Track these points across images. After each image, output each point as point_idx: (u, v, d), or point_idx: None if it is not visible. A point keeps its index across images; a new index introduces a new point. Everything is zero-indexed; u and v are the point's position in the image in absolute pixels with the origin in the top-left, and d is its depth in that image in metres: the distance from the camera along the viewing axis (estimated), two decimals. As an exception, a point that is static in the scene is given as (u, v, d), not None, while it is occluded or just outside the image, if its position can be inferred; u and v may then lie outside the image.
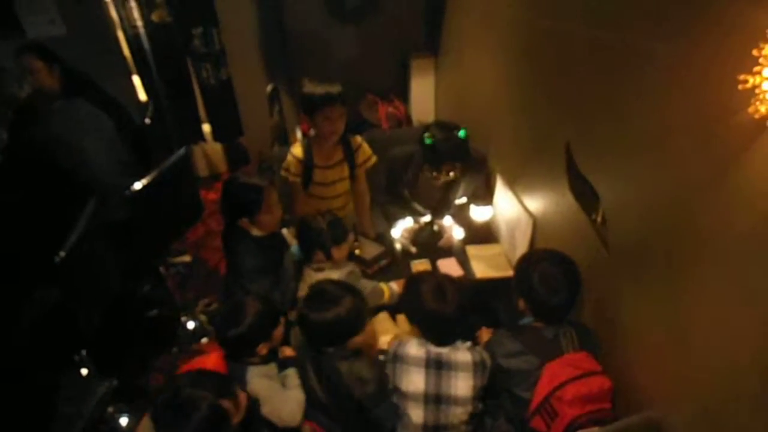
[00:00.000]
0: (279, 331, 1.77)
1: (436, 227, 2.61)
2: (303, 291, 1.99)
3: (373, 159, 2.50)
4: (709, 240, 1.21)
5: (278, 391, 1.68)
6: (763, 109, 0.83)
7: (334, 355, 1.70)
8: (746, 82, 0.84)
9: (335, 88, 2.18)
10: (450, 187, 2.47)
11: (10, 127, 2.31)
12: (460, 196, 2.54)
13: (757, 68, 0.82)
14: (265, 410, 1.64)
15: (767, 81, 0.80)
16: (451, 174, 2.26)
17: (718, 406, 1.26)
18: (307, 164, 2.37)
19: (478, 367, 1.69)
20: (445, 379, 1.66)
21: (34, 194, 2.27)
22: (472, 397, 1.67)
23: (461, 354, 1.69)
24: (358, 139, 2.47)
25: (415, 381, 1.67)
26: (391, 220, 2.60)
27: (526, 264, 1.83)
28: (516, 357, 1.73)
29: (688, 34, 1.18)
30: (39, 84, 2.55)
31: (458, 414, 1.67)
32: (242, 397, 1.50)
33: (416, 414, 1.67)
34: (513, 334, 1.79)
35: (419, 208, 2.59)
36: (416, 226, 2.60)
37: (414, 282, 1.80)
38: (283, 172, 2.42)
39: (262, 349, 1.71)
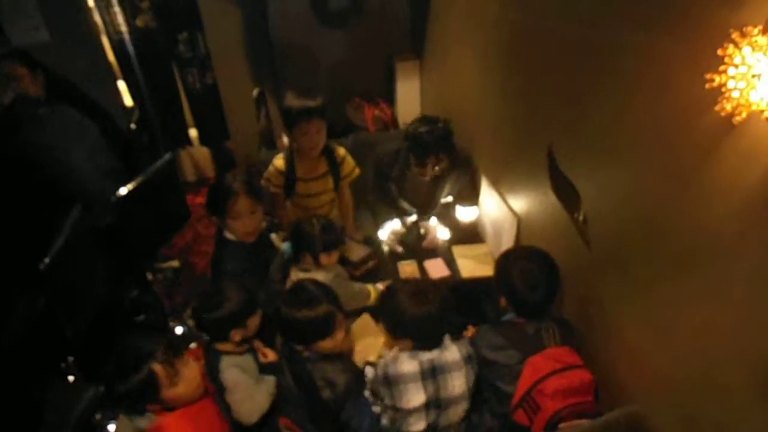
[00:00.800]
0: (254, 321, 1.79)
1: (422, 230, 2.63)
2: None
3: (357, 171, 2.51)
4: (683, 237, 1.24)
5: (248, 386, 1.70)
6: (728, 107, 0.85)
7: (305, 357, 1.74)
8: (713, 80, 0.87)
9: (314, 102, 2.17)
10: (436, 185, 2.49)
11: (-8, 133, 2.29)
12: (446, 195, 2.56)
13: (722, 67, 0.85)
14: (228, 398, 1.68)
15: (732, 80, 0.83)
16: (437, 168, 2.27)
17: (694, 400, 1.29)
18: (289, 176, 2.35)
19: (468, 361, 1.71)
20: (442, 383, 1.66)
21: (16, 200, 2.25)
22: (468, 392, 1.70)
23: (450, 353, 1.69)
24: (342, 151, 2.45)
25: (415, 397, 1.64)
26: (378, 220, 2.61)
27: (505, 262, 1.86)
28: (499, 351, 1.76)
29: (656, 33, 1.21)
30: (22, 90, 2.53)
31: (458, 412, 1.70)
32: None
33: (419, 423, 1.65)
34: (496, 328, 1.82)
35: (406, 206, 2.61)
36: (403, 228, 2.62)
37: (389, 294, 1.76)
38: (264, 182, 2.41)
39: (235, 336, 1.74)
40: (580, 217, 1.75)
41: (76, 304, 2.26)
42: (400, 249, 2.55)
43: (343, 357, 1.84)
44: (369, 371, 1.79)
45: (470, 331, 2.05)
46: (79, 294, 2.28)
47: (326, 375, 1.70)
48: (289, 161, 2.34)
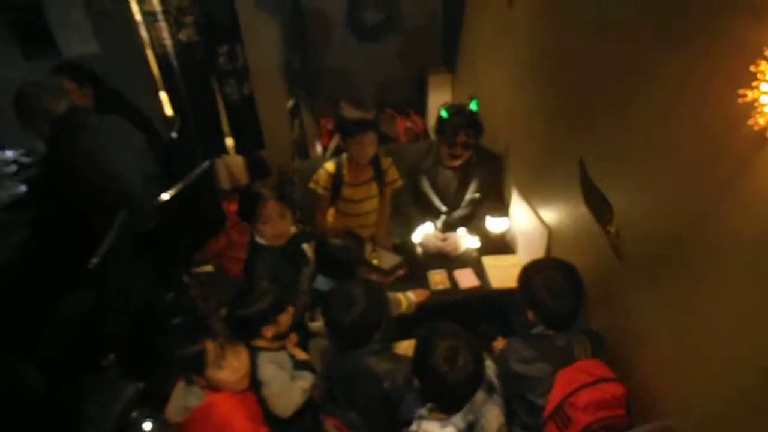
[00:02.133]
0: (285, 318, 1.86)
1: (444, 237, 2.66)
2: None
3: (400, 182, 2.64)
4: (718, 248, 1.24)
5: (284, 381, 1.77)
6: (761, 121, 0.87)
7: (364, 351, 1.75)
8: (745, 96, 0.89)
9: (369, 115, 2.36)
10: (464, 178, 2.61)
11: (48, 139, 2.44)
12: (474, 192, 2.63)
13: (755, 83, 0.87)
14: (265, 392, 1.74)
15: (764, 95, 0.85)
16: (466, 153, 2.43)
17: (728, 415, 1.28)
18: (336, 180, 2.48)
19: (492, 389, 1.67)
20: (481, 430, 1.60)
21: (68, 203, 2.38)
22: (504, 417, 1.67)
23: (476, 397, 1.59)
24: (388, 161, 2.59)
25: None
26: (412, 226, 2.68)
27: (527, 275, 1.87)
28: (530, 363, 1.75)
29: (692, 50, 1.23)
30: (72, 102, 2.68)
31: None
32: None
33: None
34: (526, 341, 1.82)
35: (436, 201, 2.67)
36: (436, 232, 2.66)
37: (428, 344, 1.57)
38: (312, 184, 2.51)
39: (267, 332, 1.80)
40: (612, 230, 1.75)
41: (119, 303, 2.37)
42: (440, 244, 2.60)
43: (395, 353, 1.89)
44: None
45: (500, 342, 2.06)
46: (122, 293, 2.39)
47: (384, 367, 1.71)
48: (339, 165, 2.48)
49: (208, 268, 3.66)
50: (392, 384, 1.69)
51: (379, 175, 2.55)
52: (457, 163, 2.56)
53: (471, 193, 2.68)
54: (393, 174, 2.61)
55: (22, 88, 2.41)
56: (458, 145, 2.45)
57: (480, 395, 1.61)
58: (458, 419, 1.55)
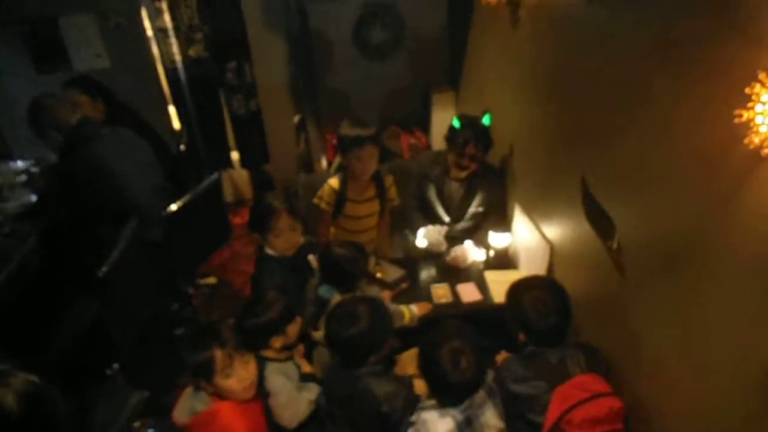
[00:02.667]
0: (293, 329, 1.87)
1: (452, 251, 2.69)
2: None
3: (397, 201, 2.69)
4: (716, 263, 1.28)
5: (291, 392, 1.78)
6: (756, 140, 0.92)
7: (364, 372, 1.74)
8: (741, 116, 0.94)
9: (367, 131, 2.35)
10: (470, 191, 2.66)
11: (60, 150, 2.50)
12: (479, 205, 2.67)
13: (750, 104, 0.92)
14: (272, 403, 1.75)
15: (759, 115, 0.90)
16: (474, 163, 2.49)
17: (729, 427, 1.30)
18: (340, 196, 2.51)
19: (492, 392, 1.72)
20: (479, 428, 1.65)
21: (78, 213, 2.43)
22: (504, 420, 1.69)
23: (475, 395, 1.67)
24: (390, 179, 2.63)
25: None
26: (415, 230, 2.73)
27: (514, 296, 1.89)
28: (525, 382, 1.76)
29: (691, 72, 1.29)
30: (84, 114, 2.75)
31: None
32: None
33: None
34: (519, 360, 1.84)
35: (440, 211, 2.73)
36: (438, 228, 2.70)
37: (434, 341, 1.71)
38: (316, 200, 2.55)
39: (275, 342, 1.81)
40: (614, 245, 1.79)
41: (125, 312, 2.40)
42: (443, 247, 2.64)
43: (396, 374, 1.89)
44: None
45: (502, 356, 2.08)
46: (129, 303, 2.42)
47: (384, 389, 1.71)
48: (342, 182, 2.51)
49: (212, 280, 3.69)
50: (391, 407, 1.70)
51: (381, 193, 2.58)
52: (464, 174, 2.62)
53: (475, 207, 2.73)
54: (393, 193, 2.64)
55: (37, 99, 2.48)
56: (466, 156, 2.52)
57: (481, 394, 1.66)
58: (456, 412, 1.62)
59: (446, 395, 1.67)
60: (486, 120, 2.57)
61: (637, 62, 1.55)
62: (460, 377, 1.60)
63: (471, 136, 2.50)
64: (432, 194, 2.75)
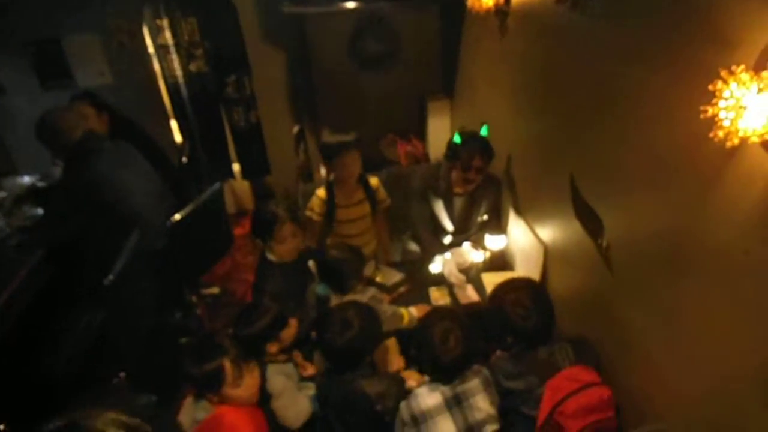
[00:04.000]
0: (288, 333, 1.94)
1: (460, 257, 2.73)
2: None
3: (388, 201, 2.75)
4: (697, 257, 1.33)
5: (292, 391, 1.84)
6: (721, 134, 0.98)
7: (354, 375, 1.81)
8: (706, 111, 1.00)
9: (348, 137, 2.45)
10: (474, 202, 2.69)
11: (66, 161, 2.57)
12: (483, 214, 2.72)
13: (714, 100, 0.98)
14: (275, 404, 1.80)
15: (722, 110, 0.96)
16: (478, 176, 2.51)
17: (716, 415, 1.34)
18: (329, 204, 2.58)
19: (487, 382, 1.79)
20: (468, 410, 1.71)
21: (82, 224, 2.49)
22: (497, 411, 1.75)
23: (469, 380, 1.76)
24: (375, 180, 2.71)
25: (445, 428, 1.68)
26: (419, 242, 2.77)
27: (494, 301, 1.96)
28: (517, 379, 1.83)
29: (660, 71, 1.37)
30: (89, 127, 2.82)
31: None
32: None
33: None
34: (510, 357, 1.90)
35: (447, 225, 2.75)
36: (454, 260, 2.70)
37: (427, 323, 1.87)
38: (307, 212, 2.62)
39: (271, 348, 1.89)
40: (604, 243, 1.84)
41: (130, 321, 2.45)
42: (462, 277, 2.62)
43: (387, 373, 1.95)
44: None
45: (498, 354, 2.12)
46: (134, 312, 2.48)
47: (376, 389, 1.77)
48: (329, 190, 2.58)
49: (215, 289, 3.75)
50: (384, 406, 1.77)
51: (370, 195, 2.66)
52: (471, 187, 2.62)
53: (480, 216, 2.76)
54: (382, 194, 2.72)
55: (46, 113, 2.55)
56: (473, 169, 2.52)
57: (475, 382, 1.74)
58: (446, 389, 1.74)
59: (436, 372, 1.79)
60: (484, 131, 2.61)
61: (612, 65, 1.62)
62: (450, 354, 1.73)
63: (476, 149, 2.50)
64: (440, 209, 2.76)
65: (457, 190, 2.66)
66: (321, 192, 2.59)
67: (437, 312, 1.99)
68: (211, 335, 1.91)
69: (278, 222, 2.21)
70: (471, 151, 2.50)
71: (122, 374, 2.47)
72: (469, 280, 2.63)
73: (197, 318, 3.30)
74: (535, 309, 1.84)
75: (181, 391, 2.83)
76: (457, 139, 2.53)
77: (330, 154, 2.48)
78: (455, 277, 2.58)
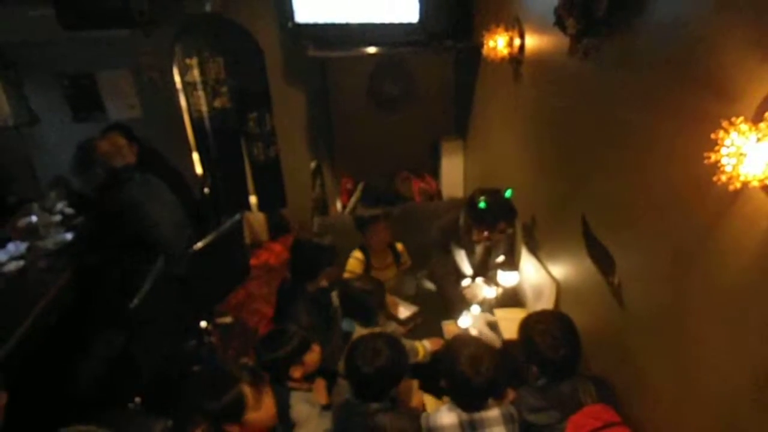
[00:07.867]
0: (311, 357, 1.98)
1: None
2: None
3: (409, 263, 3.03)
4: (703, 296, 1.39)
5: (317, 419, 1.87)
6: (724, 178, 1.07)
7: (376, 408, 1.82)
8: (710, 158, 1.09)
9: (379, 211, 2.83)
10: (493, 245, 2.67)
11: (98, 189, 2.70)
12: (500, 255, 2.75)
13: (716, 147, 1.08)
14: None
15: (724, 157, 1.05)
16: (501, 234, 2.48)
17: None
18: (366, 265, 2.85)
19: (507, 419, 1.81)
20: None
21: (110, 247, 2.60)
22: None
23: (490, 411, 1.80)
24: (400, 246, 3.00)
25: None
26: (449, 303, 2.73)
27: (525, 330, 1.98)
28: (539, 412, 1.85)
29: (665, 118, 1.47)
30: (121, 157, 2.97)
31: None
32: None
33: None
34: (534, 391, 1.93)
35: (467, 270, 2.75)
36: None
37: (454, 344, 1.92)
38: (347, 274, 2.79)
39: (295, 372, 1.92)
40: (615, 281, 1.89)
41: (151, 346, 2.51)
42: (495, 336, 2.57)
43: (408, 408, 1.98)
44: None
45: (510, 394, 2.14)
46: (155, 337, 2.54)
47: (397, 425, 1.78)
48: (365, 253, 2.86)
49: (228, 319, 3.79)
50: None
51: (397, 259, 2.98)
52: (489, 244, 2.61)
53: (498, 258, 2.73)
54: (405, 257, 3.03)
55: (87, 141, 2.71)
56: (497, 231, 2.45)
57: (496, 413, 1.78)
58: (464, 413, 1.78)
59: (464, 396, 1.82)
60: (508, 194, 2.48)
61: (622, 111, 1.73)
62: (482, 379, 1.76)
63: (500, 216, 2.40)
64: (461, 258, 2.75)
65: (479, 241, 2.59)
66: (358, 254, 2.83)
67: (462, 338, 2.03)
68: (221, 367, 1.93)
69: (335, 249, 2.51)
70: (497, 217, 2.40)
71: (138, 399, 2.51)
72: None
73: (210, 346, 3.35)
74: (564, 339, 1.87)
75: (194, 419, 2.89)
76: (482, 204, 2.38)
77: (365, 224, 2.78)
78: (485, 336, 2.54)
